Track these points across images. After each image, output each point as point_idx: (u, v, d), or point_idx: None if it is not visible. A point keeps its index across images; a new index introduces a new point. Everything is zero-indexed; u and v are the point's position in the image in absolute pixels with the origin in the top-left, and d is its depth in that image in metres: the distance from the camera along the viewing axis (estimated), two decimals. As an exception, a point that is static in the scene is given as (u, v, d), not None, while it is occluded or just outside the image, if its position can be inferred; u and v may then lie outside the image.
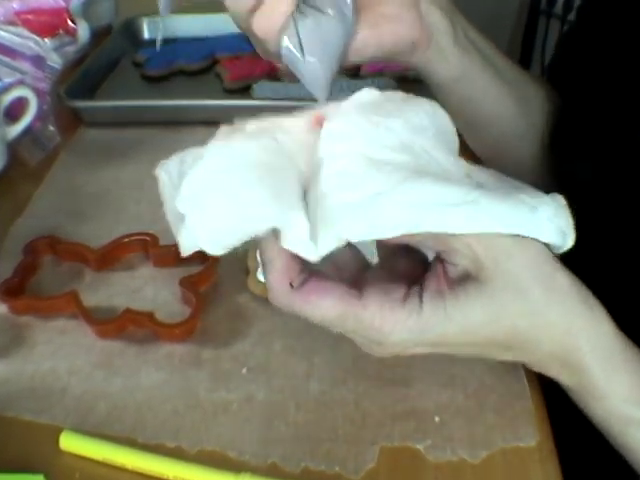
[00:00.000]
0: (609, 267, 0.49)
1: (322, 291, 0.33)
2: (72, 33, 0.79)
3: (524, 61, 1.40)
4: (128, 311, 0.46)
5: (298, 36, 0.41)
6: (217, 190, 0.32)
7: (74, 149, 0.67)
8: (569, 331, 0.34)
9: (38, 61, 0.67)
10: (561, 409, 0.44)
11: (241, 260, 0.51)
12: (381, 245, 0.37)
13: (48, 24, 0.76)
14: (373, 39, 0.45)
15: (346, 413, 0.40)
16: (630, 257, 0.47)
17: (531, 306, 0.33)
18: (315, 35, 0.42)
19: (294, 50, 0.42)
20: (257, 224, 0.32)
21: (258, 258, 0.50)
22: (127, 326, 0.46)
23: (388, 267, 0.36)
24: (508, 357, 0.35)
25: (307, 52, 0.42)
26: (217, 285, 0.50)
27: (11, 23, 0.74)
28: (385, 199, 0.31)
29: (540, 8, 1.39)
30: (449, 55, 0.49)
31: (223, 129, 0.37)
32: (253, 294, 0.48)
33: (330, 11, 0.42)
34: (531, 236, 0.32)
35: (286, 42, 0.42)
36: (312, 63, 0.42)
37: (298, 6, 0.41)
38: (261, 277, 0.48)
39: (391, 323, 0.33)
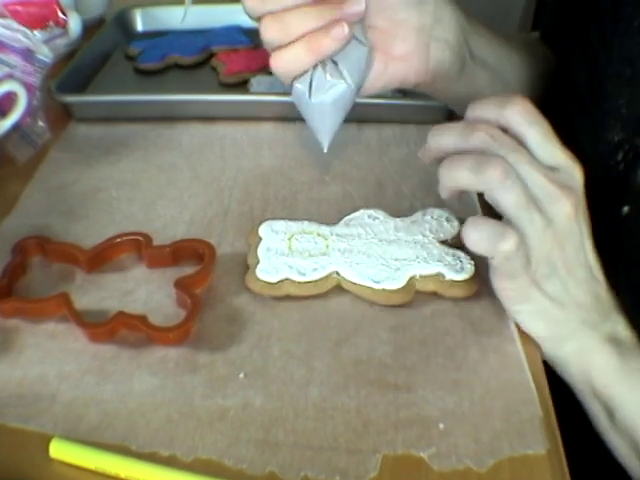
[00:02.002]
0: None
1: None
2: (63, 25, 0.79)
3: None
4: (120, 314, 0.46)
5: (311, 84, 0.46)
6: None
7: (65, 146, 0.67)
8: None
9: (27, 54, 0.67)
10: (571, 415, 0.44)
11: (238, 261, 0.51)
12: None
13: (38, 16, 0.75)
14: (381, 81, 0.49)
15: (347, 420, 0.40)
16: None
17: None
18: (328, 87, 0.46)
19: (305, 93, 0.46)
20: None
21: (258, 255, 0.50)
22: (119, 330, 0.46)
23: None
24: None
25: (316, 100, 0.46)
26: (213, 287, 0.49)
27: (-1, 15, 0.73)
28: None
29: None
30: (454, 84, 0.52)
31: None
32: (251, 295, 0.48)
33: (347, 75, 0.46)
34: None
35: (298, 84, 0.46)
36: (320, 110, 0.47)
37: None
38: (260, 274, 0.48)
39: None
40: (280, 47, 0.44)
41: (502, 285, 0.43)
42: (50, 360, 0.44)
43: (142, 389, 0.42)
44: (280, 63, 0.45)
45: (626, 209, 0.45)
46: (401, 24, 0.48)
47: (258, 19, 0.44)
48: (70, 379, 0.43)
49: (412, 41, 0.48)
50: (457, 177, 0.42)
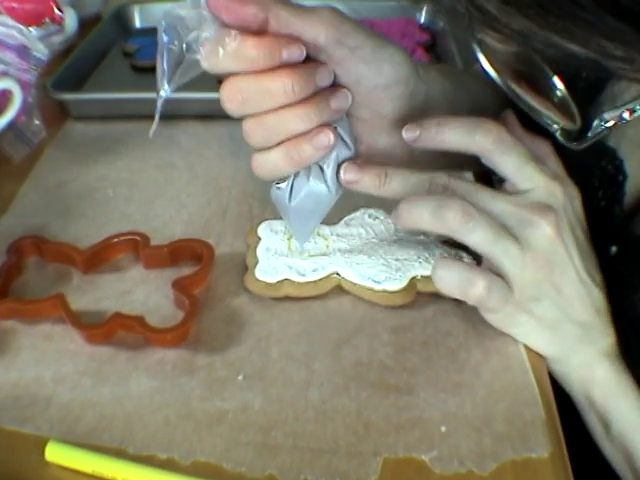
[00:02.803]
0: None
1: None
2: (59, 22, 0.79)
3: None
4: (117, 315, 0.46)
5: (291, 187, 0.44)
6: None
7: (61, 144, 0.67)
8: None
9: (23, 51, 0.67)
10: (575, 418, 0.44)
11: (237, 261, 0.51)
12: None
13: (33, 12, 0.75)
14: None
15: (347, 423, 0.40)
16: None
17: None
18: (309, 192, 0.44)
19: (285, 198, 0.44)
20: None
21: (257, 255, 0.50)
22: (116, 331, 0.46)
23: None
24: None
25: (296, 205, 0.44)
26: (211, 288, 0.49)
27: (-6, 11, 0.73)
28: None
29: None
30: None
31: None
32: (250, 296, 0.48)
33: (330, 181, 0.44)
34: None
35: (278, 185, 0.44)
36: (299, 214, 0.45)
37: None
38: (259, 275, 0.48)
39: None
40: (262, 149, 0.42)
41: (487, 316, 0.44)
42: (46, 362, 0.44)
43: (139, 391, 0.42)
44: (260, 167, 0.43)
45: (614, 249, 0.45)
46: (387, 116, 0.44)
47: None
48: (66, 381, 0.43)
49: (396, 134, 0.45)
50: (417, 219, 0.42)
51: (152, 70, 0.83)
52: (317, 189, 0.44)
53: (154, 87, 0.78)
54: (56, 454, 0.38)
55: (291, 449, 0.39)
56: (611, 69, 0.26)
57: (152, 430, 0.40)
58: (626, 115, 0.34)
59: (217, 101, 0.69)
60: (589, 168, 0.45)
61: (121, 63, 0.81)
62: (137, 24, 0.90)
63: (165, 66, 0.39)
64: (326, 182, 0.44)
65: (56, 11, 0.79)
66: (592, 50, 0.24)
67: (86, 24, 0.85)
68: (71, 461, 0.38)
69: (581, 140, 0.37)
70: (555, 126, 0.36)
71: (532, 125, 0.44)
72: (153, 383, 0.43)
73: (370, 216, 0.53)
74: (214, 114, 0.69)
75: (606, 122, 0.35)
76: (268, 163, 0.42)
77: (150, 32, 0.85)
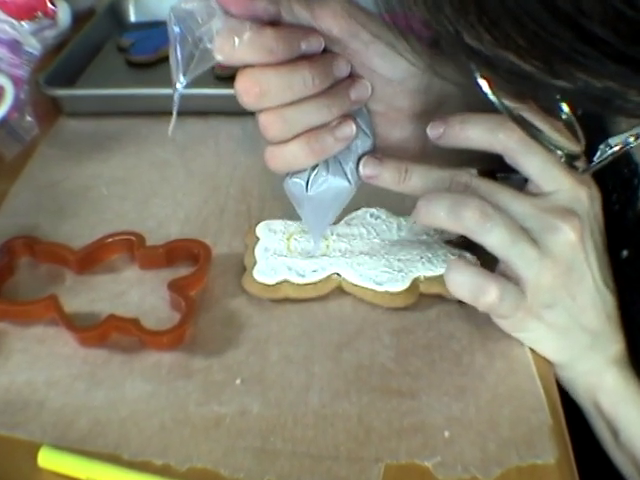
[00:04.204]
0: None
1: None
2: (52, 16, 0.79)
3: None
4: (112, 317, 0.45)
5: (309, 177, 0.44)
6: None
7: (53, 141, 0.67)
8: None
9: (14, 46, 0.67)
10: (582, 423, 0.44)
11: (235, 262, 0.51)
12: None
13: (25, 6, 0.75)
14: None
15: (348, 428, 0.40)
16: None
17: None
18: (329, 183, 0.44)
19: (303, 188, 0.44)
20: None
21: (255, 256, 0.50)
22: (111, 334, 0.45)
23: None
24: None
25: (314, 193, 0.44)
26: (208, 289, 0.49)
27: (-15, 5, 0.73)
28: None
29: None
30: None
31: None
32: (248, 297, 0.48)
33: (350, 174, 0.44)
34: None
35: (296, 178, 0.44)
36: (318, 204, 0.45)
37: None
38: (258, 276, 0.48)
39: None
40: (279, 142, 0.41)
41: (496, 320, 0.44)
42: (39, 365, 0.44)
43: (134, 395, 0.42)
44: (276, 160, 0.42)
45: (625, 253, 0.45)
46: (401, 110, 0.44)
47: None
48: (59, 385, 0.43)
49: (410, 127, 0.45)
50: (434, 217, 0.42)
51: (147, 65, 0.84)
52: (336, 182, 0.44)
53: (149, 83, 0.78)
54: (49, 460, 0.38)
55: (290, 455, 0.39)
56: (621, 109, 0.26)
57: (147, 435, 0.40)
58: (631, 140, 0.34)
59: (214, 97, 0.70)
60: (603, 171, 0.45)
61: (115, 58, 0.81)
62: (132, 18, 0.90)
63: (179, 58, 0.39)
64: (346, 175, 0.44)
65: (49, 5, 0.78)
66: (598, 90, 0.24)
67: (80, 18, 0.84)
68: (64, 467, 0.38)
69: (586, 166, 0.37)
70: (559, 152, 0.36)
71: None
72: (148, 387, 0.43)
73: (372, 215, 0.53)
74: (211, 110, 0.69)
75: (611, 147, 0.35)
76: (286, 155, 0.42)
77: (145, 26, 0.86)
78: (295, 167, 0.43)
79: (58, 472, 0.38)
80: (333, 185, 0.44)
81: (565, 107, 0.40)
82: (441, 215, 0.41)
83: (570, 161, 0.37)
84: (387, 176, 0.44)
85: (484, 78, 0.32)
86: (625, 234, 0.45)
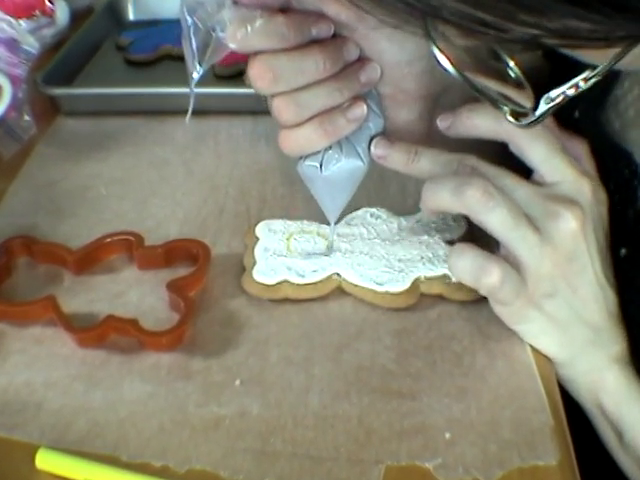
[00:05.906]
0: None
1: None
2: (50, 14, 0.79)
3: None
4: (110, 318, 0.46)
5: (322, 159, 0.45)
6: None
7: (52, 141, 0.67)
8: None
9: (12, 45, 0.67)
10: (584, 424, 0.44)
11: (234, 262, 0.51)
12: None
13: (23, 4, 0.75)
14: None
15: (348, 429, 0.40)
16: None
17: None
18: (342, 163, 0.45)
19: (317, 169, 0.45)
20: None
21: (254, 256, 0.50)
22: (109, 334, 0.46)
23: None
24: None
25: (328, 173, 0.45)
26: (208, 289, 0.49)
27: (-18, 3, 0.73)
28: None
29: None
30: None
31: None
32: (248, 298, 0.48)
33: (362, 153, 0.45)
34: None
35: (309, 161, 0.45)
36: (333, 184, 0.46)
37: None
38: (257, 276, 0.48)
39: None
40: (292, 126, 0.43)
41: (497, 308, 0.44)
42: (37, 366, 0.44)
43: (133, 397, 0.42)
44: (290, 143, 0.44)
45: (624, 251, 0.45)
46: (409, 92, 0.45)
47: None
48: (57, 386, 0.43)
49: (417, 110, 0.46)
50: (438, 199, 0.43)
51: (146, 64, 0.84)
52: (350, 162, 0.45)
53: (148, 82, 0.78)
54: (47, 461, 0.38)
55: (290, 456, 0.39)
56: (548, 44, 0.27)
57: (146, 437, 0.40)
58: (570, 92, 0.34)
59: (213, 96, 0.70)
60: (606, 172, 0.45)
61: (114, 57, 0.81)
62: (131, 16, 0.90)
63: (194, 47, 0.39)
64: (359, 154, 0.45)
65: (47, 3, 0.79)
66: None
67: (78, 16, 0.85)
68: (62, 469, 0.38)
69: (530, 120, 0.37)
70: (505, 107, 0.37)
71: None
72: (147, 388, 0.43)
73: (372, 215, 0.53)
74: (210, 109, 0.69)
75: (552, 100, 0.35)
76: (300, 138, 0.43)
77: (144, 25, 0.86)
78: (309, 149, 0.44)
79: (56, 474, 0.38)
80: (347, 165, 0.45)
81: (514, 67, 0.41)
82: (445, 196, 0.42)
83: (516, 116, 0.37)
84: (397, 156, 0.45)
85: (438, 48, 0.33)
86: (624, 232, 0.45)
